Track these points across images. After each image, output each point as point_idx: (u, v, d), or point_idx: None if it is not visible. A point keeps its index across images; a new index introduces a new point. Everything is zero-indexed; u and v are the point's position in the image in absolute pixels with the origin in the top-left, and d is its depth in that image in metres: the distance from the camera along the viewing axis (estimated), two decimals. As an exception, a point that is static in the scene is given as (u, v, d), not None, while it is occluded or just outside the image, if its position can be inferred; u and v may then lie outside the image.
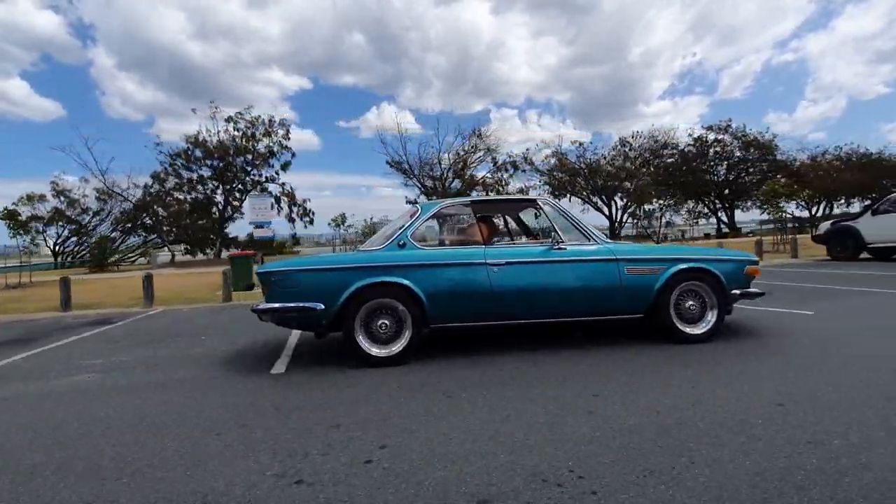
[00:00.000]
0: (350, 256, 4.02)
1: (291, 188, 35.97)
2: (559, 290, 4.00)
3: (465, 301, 3.93)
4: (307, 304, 3.82)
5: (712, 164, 38.25)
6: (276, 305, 3.86)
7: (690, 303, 4.17)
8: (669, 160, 38.35)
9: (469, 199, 4.36)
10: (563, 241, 4.09)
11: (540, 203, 4.36)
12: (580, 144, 37.96)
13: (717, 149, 37.76)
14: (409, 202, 34.43)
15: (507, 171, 37.02)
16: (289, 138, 34.26)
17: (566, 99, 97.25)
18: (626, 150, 37.98)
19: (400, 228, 4.14)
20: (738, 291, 4.23)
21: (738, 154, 37.36)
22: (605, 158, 37.87)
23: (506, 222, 5.28)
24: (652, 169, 37.80)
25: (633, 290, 4.06)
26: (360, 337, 3.86)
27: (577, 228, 4.25)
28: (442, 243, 4.24)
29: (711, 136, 37.65)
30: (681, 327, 4.11)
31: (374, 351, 3.85)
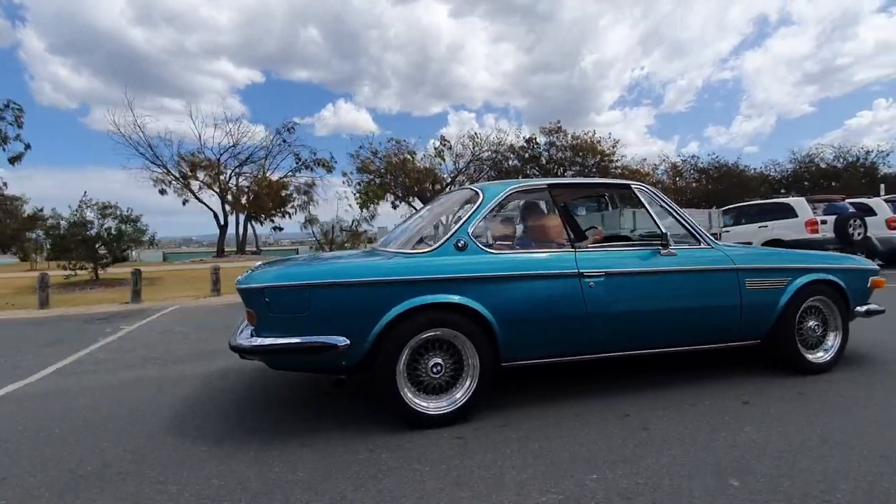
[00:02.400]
0: (385, 265, 2.67)
1: (4, 184, 30.57)
2: (672, 312, 2.95)
3: (551, 329, 2.75)
4: (323, 340, 2.45)
5: (554, 168, 34.10)
6: (273, 342, 2.45)
7: (812, 323, 3.30)
8: (501, 164, 33.85)
9: (546, 181, 3.13)
10: (671, 244, 3.01)
11: (635, 189, 3.24)
12: (397, 142, 33.54)
13: (551, 152, 33.88)
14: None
15: (310, 169, 33.34)
16: (21, 125, 26.54)
17: (524, 105, 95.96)
18: (445, 148, 33.34)
19: (456, 222, 2.85)
20: (862, 308, 3.43)
21: (573, 159, 33.53)
22: (411, 157, 33.07)
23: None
24: (493, 172, 33.59)
25: (755, 309, 3.10)
26: (405, 387, 2.57)
27: (682, 225, 3.19)
28: (509, 243, 3.01)
29: (543, 139, 33.76)
30: (805, 354, 3.24)
31: (427, 406, 2.59)
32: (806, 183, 33.57)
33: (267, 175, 32.88)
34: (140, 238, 15.72)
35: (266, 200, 30.99)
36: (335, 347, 2.45)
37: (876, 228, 9.79)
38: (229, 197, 32.03)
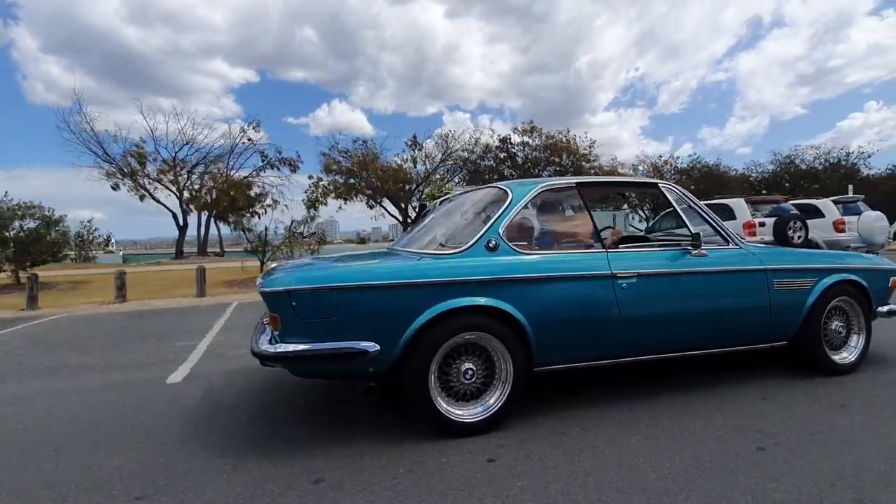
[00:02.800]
0: (417, 266, 2.54)
1: None
2: (704, 314, 2.89)
3: (584, 332, 2.67)
4: (352, 346, 2.33)
5: (530, 168, 32.76)
6: (300, 348, 2.32)
7: (837, 323, 3.28)
8: (479, 164, 32.64)
9: (574, 179, 3.04)
10: (701, 244, 2.95)
11: (662, 187, 3.17)
12: (364, 142, 31.98)
13: (525, 152, 32.71)
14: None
15: (276, 167, 32.09)
16: None
17: (519, 106, 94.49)
18: (417, 149, 31.84)
19: (485, 221, 2.74)
20: (884, 308, 3.42)
21: (552, 159, 32.42)
22: (373, 156, 30.95)
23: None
24: (465, 171, 32.50)
25: (783, 310, 3.07)
26: (438, 395, 2.47)
27: (710, 224, 3.13)
28: (538, 244, 2.90)
29: (518, 139, 32.54)
30: (831, 355, 3.21)
31: (460, 413, 2.48)
32: (786, 184, 34.11)
33: (228, 174, 31.68)
34: (65, 240, 14.50)
35: (223, 198, 29.64)
36: (365, 353, 2.33)
37: (823, 231, 9.37)
38: (186, 195, 31.03)
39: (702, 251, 2.93)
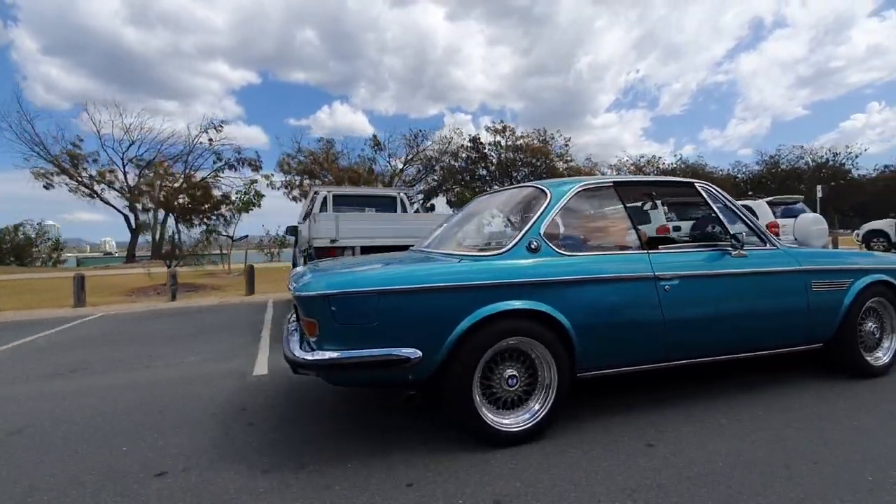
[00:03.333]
0: (459, 268, 2.41)
1: None
2: (746, 315, 2.82)
3: (628, 336, 2.58)
4: (394, 352, 2.20)
5: (507, 168, 32.96)
6: (339, 356, 2.18)
7: (871, 325, 3.24)
8: (454, 163, 32.95)
9: (611, 178, 2.95)
10: (743, 245, 2.88)
11: (699, 187, 3.10)
12: (328, 142, 31.81)
13: (498, 152, 32.87)
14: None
15: (234, 168, 31.18)
16: None
17: (520, 107, 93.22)
18: (378, 148, 31.81)
19: (524, 221, 2.63)
20: (916, 310, 3.38)
21: (525, 160, 32.61)
22: (326, 156, 30.56)
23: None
24: (429, 171, 32.73)
25: (821, 312, 3.01)
26: (483, 404, 2.36)
27: (746, 225, 3.06)
28: (575, 244, 2.79)
29: (490, 138, 32.76)
30: (867, 357, 3.17)
31: (505, 422, 2.37)
32: (771, 184, 34.65)
33: (188, 174, 30.79)
34: None
35: (172, 198, 28.56)
36: (407, 360, 2.21)
37: None
38: (135, 192, 30.21)
39: (742, 252, 2.86)
